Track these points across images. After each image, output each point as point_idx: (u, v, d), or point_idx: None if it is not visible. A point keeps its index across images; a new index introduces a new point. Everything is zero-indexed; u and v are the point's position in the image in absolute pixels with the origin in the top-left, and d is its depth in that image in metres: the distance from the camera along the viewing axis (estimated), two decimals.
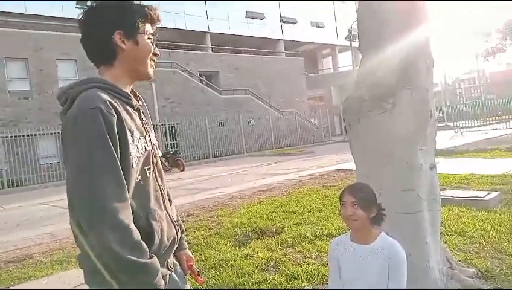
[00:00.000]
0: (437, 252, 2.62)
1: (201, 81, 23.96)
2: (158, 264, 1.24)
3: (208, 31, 28.03)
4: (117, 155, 1.21)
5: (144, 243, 1.21)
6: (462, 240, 3.73)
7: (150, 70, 1.44)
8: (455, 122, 21.44)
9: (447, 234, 3.87)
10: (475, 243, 3.63)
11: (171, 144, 20.25)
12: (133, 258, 1.15)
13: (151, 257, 1.22)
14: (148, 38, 1.40)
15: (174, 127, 21.11)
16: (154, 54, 1.44)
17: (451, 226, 4.13)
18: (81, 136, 1.18)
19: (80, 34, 1.38)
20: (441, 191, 5.44)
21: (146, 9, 1.39)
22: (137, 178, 1.30)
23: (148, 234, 1.31)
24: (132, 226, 1.20)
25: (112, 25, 1.33)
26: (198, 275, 1.67)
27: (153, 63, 1.44)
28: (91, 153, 1.17)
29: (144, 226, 1.29)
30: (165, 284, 1.43)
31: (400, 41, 2.56)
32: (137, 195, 1.29)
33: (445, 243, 3.47)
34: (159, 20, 1.45)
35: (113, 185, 1.18)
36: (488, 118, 21.77)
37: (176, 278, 1.50)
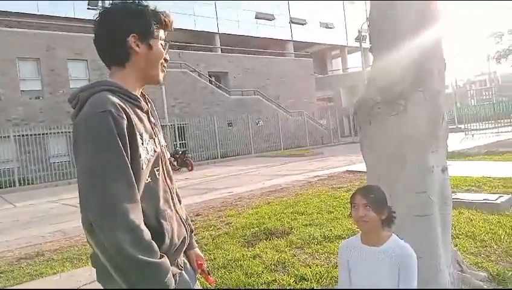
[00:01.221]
0: (448, 255, 2.61)
1: (210, 81, 24.04)
2: (169, 263, 1.26)
3: (217, 31, 28.13)
4: (127, 157, 1.23)
5: (154, 243, 1.23)
6: (472, 243, 3.70)
7: (160, 75, 1.47)
8: (466, 125, 21.24)
9: (458, 237, 3.84)
10: (486, 246, 3.60)
11: (180, 144, 20.35)
12: (144, 258, 1.17)
13: (161, 257, 1.24)
14: (161, 44, 1.43)
15: (183, 127, 21.21)
16: (165, 60, 1.47)
17: (462, 229, 4.09)
18: (92, 139, 1.21)
19: (94, 34, 1.40)
20: (452, 194, 5.41)
21: (161, 15, 1.42)
22: (146, 179, 1.33)
23: (158, 234, 1.33)
24: (143, 226, 1.22)
25: (128, 27, 1.35)
26: (209, 274, 1.68)
27: (163, 68, 1.47)
28: (102, 156, 1.19)
29: (155, 226, 1.31)
30: (175, 283, 1.45)
31: (412, 43, 2.55)
32: (147, 196, 1.31)
33: (456, 246, 3.44)
34: (172, 27, 1.48)
35: (124, 187, 1.20)
36: (499, 120, 21.53)
37: (186, 276, 1.52)
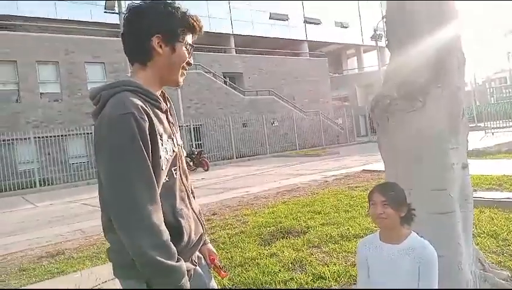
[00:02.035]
0: (469, 254, 2.56)
1: (225, 82, 24.14)
2: (185, 267, 1.28)
3: (231, 32, 28.22)
4: (149, 159, 1.24)
5: (173, 245, 1.25)
6: (494, 242, 3.62)
7: (180, 79, 1.47)
8: (486, 123, 20.77)
9: (479, 236, 3.77)
10: (509, 245, 3.52)
11: (195, 144, 20.50)
12: (162, 260, 1.20)
13: (178, 260, 1.26)
14: (186, 48, 1.43)
15: (198, 127, 21.35)
16: (188, 64, 1.47)
17: (483, 228, 4.01)
18: (114, 142, 1.22)
19: (123, 30, 1.42)
20: (473, 193, 5.31)
21: (191, 19, 1.42)
22: (165, 179, 1.34)
23: (176, 232, 1.35)
24: (163, 227, 1.24)
25: (154, 28, 1.36)
26: (221, 268, 1.69)
27: (184, 71, 1.47)
28: (124, 158, 1.21)
29: (173, 224, 1.34)
30: (190, 278, 1.47)
31: (430, 39, 2.51)
32: (165, 195, 1.33)
33: (477, 245, 3.37)
34: (201, 32, 1.47)
35: (146, 189, 1.22)
36: None
37: (201, 271, 1.55)
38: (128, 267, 1.33)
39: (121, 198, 1.20)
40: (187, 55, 1.44)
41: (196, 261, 1.53)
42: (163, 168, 1.32)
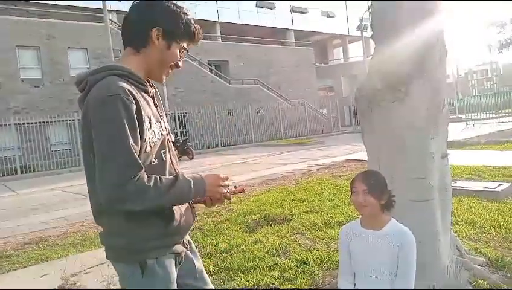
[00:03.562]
0: (447, 240, 2.65)
1: (210, 70, 23.97)
2: (184, 180, 1.38)
3: (217, 20, 27.93)
4: (135, 140, 1.27)
5: (163, 178, 1.33)
6: (472, 229, 3.75)
7: (164, 77, 1.52)
8: (467, 114, 21.20)
9: (457, 224, 3.89)
10: (485, 233, 3.65)
11: (180, 132, 20.38)
12: (168, 196, 1.31)
13: (176, 179, 1.35)
14: (180, 50, 1.48)
15: (183, 115, 21.21)
16: (176, 65, 1.52)
17: (462, 216, 4.14)
18: (101, 122, 1.25)
19: (127, 14, 1.46)
20: (452, 182, 5.45)
21: (193, 27, 1.48)
22: (152, 161, 1.38)
23: (168, 214, 1.41)
24: (153, 180, 1.29)
25: (158, 20, 1.41)
26: (236, 188, 1.60)
27: (170, 71, 1.52)
28: (111, 139, 1.25)
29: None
30: (181, 260, 1.52)
31: (414, 31, 2.56)
32: None
33: (456, 232, 3.49)
34: (197, 43, 1.54)
35: (130, 169, 1.26)
36: (500, 111, 21.49)
37: (191, 255, 1.62)
38: (120, 250, 1.39)
39: (110, 177, 1.24)
40: (178, 57, 1.49)
41: (187, 244, 1.59)
42: (147, 150, 1.35)
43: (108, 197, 1.25)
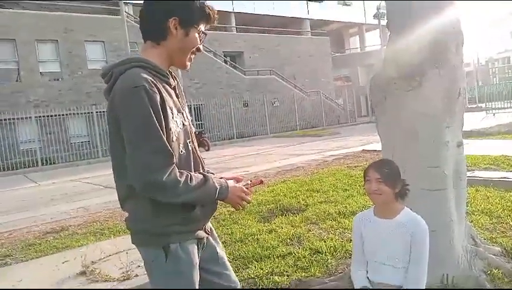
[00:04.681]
0: (461, 230, 2.64)
1: (225, 61, 23.97)
2: (212, 183, 1.46)
3: (232, 10, 27.81)
4: (162, 130, 1.33)
5: (193, 176, 1.42)
6: (488, 219, 3.71)
7: (188, 63, 1.56)
8: (487, 103, 20.69)
9: (474, 214, 3.85)
10: (502, 222, 3.61)
11: (196, 124, 20.53)
12: (196, 193, 1.40)
13: (206, 179, 1.45)
14: (198, 34, 1.52)
15: (198, 107, 21.33)
16: (198, 50, 1.55)
17: (478, 206, 4.10)
18: (128, 113, 1.31)
19: (142, 7, 1.50)
20: (470, 172, 5.37)
21: (207, 8, 1.51)
22: (181, 151, 1.44)
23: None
24: (184, 177, 1.38)
25: (173, 10, 1.45)
26: (251, 181, 1.75)
27: (192, 56, 1.56)
28: (139, 128, 1.31)
29: None
30: (203, 246, 1.60)
31: (430, 19, 2.52)
32: (181, 166, 1.42)
33: (471, 222, 3.46)
34: (214, 22, 1.57)
35: (162, 156, 1.32)
36: None
37: (212, 241, 1.69)
38: (144, 235, 1.46)
39: (139, 167, 1.31)
40: (198, 41, 1.53)
41: (209, 231, 1.66)
42: (174, 139, 1.40)
43: (143, 183, 1.31)
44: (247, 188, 1.65)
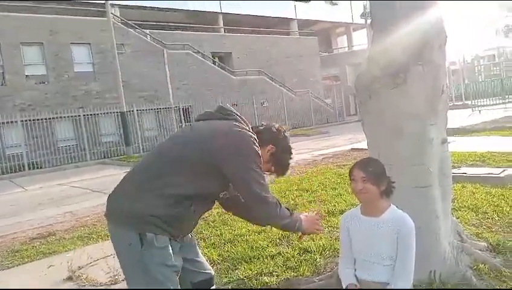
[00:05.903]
0: (447, 226, 2.66)
1: (214, 62, 23.90)
2: (297, 217, 2.06)
3: (220, 11, 27.76)
4: None
5: (285, 209, 2.00)
6: (474, 215, 3.76)
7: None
8: (473, 101, 20.99)
9: (460, 210, 3.90)
10: (488, 218, 3.65)
11: (185, 126, 20.38)
12: (285, 222, 1.99)
13: (291, 214, 2.02)
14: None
15: (187, 108, 21.22)
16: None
17: (464, 202, 4.14)
18: (248, 153, 1.82)
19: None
20: (456, 169, 5.43)
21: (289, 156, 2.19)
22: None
23: (182, 220, 1.82)
24: (279, 205, 1.97)
25: (273, 142, 2.08)
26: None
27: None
28: (258, 166, 1.84)
29: (182, 214, 1.81)
30: (179, 242, 1.97)
31: (413, 18, 2.55)
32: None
33: (458, 218, 3.50)
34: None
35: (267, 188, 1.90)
36: (507, 96, 21.25)
37: (189, 241, 2.07)
38: (128, 214, 1.71)
39: (258, 193, 1.84)
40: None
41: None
42: None
43: (268, 213, 1.92)
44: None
